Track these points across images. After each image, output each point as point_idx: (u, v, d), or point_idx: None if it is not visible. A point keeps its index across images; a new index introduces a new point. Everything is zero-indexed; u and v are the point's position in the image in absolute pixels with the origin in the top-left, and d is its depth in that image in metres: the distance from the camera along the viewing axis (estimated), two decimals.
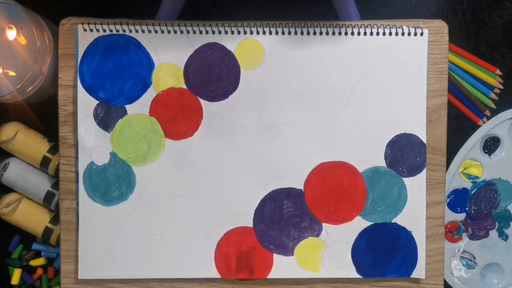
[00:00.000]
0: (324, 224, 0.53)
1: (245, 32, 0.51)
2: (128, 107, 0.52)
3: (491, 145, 0.58)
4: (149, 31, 0.51)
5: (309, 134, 0.52)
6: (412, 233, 0.53)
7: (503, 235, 0.58)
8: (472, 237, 0.57)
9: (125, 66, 0.52)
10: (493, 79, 0.57)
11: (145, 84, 0.52)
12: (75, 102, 0.52)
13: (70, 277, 0.53)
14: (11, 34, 0.50)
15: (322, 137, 0.52)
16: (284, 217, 0.52)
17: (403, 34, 0.52)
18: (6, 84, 0.50)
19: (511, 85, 0.57)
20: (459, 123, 0.57)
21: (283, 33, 0.51)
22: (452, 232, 0.57)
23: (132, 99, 0.52)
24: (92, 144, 0.52)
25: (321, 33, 0.51)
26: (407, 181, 0.53)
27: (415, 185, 0.52)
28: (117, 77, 0.52)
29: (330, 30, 0.51)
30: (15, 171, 0.54)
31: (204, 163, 0.52)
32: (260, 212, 0.52)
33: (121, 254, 0.52)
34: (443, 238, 0.53)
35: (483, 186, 0.57)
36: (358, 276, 0.53)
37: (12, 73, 0.50)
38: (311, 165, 0.52)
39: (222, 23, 0.51)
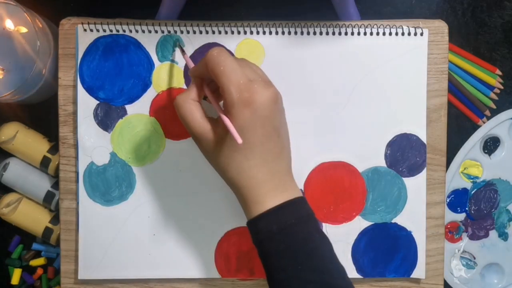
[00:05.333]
0: (324, 224, 0.53)
1: (245, 32, 0.51)
2: (128, 107, 0.52)
3: (491, 145, 0.57)
4: (149, 31, 0.51)
5: (309, 134, 0.52)
6: (412, 233, 0.53)
7: (503, 235, 0.57)
8: (472, 237, 0.57)
9: (125, 66, 0.52)
10: (493, 79, 0.57)
11: (145, 84, 0.52)
12: (75, 102, 0.52)
13: (70, 277, 0.53)
14: (11, 34, 0.50)
15: (322, 137, 0.52)
16: None
17: (403, 34, 0.52)
18: (6, 84, 0.50)
19: (511, 85, 0.57)
20: (459, 123, 0.57)
21: (283, 33, 0.51)
22: (452, 232, 0.57)
23: (132, 99, 0.52)
24: (92, 144, 0.52)
25: (321, 33, 0.51)
26: (407, 181, 0.52)
27: (415, 185, 0.52)
28: (117, 77, 0.52)
29: (330, 30, 0.51)
30: (15, 171, 0.54)
31: (204, 163, 0.52)
32: None
33: (121, 254, 0.52)
34: (443, 238, 0.53)
35: (483, 186, 0.57)
36: (358, 276, 0.53)
37: (12, 73, 0.50)
38: (311, 165, 0.52)
39: (222, 23, 0.51)
